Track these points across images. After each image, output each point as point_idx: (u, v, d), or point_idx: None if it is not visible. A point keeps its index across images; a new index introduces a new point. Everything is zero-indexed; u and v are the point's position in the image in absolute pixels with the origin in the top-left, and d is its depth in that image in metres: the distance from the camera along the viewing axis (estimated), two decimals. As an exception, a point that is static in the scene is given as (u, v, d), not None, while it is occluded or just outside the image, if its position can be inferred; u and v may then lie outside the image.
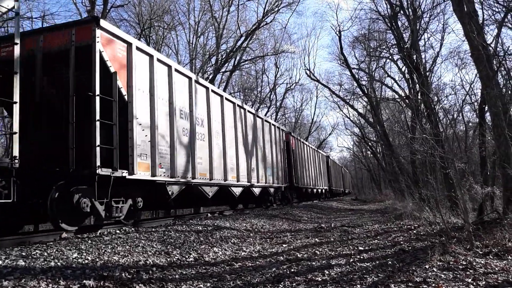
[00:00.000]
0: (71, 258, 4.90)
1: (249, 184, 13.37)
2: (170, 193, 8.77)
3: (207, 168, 10.61)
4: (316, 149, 29.17)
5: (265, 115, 35.52)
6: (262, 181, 14.93)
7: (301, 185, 21.04)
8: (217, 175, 11.12)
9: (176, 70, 9.50)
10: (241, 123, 13.59)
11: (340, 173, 43.52)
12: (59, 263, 4.63)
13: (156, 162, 8.17)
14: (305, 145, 24.30)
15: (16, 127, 5.72)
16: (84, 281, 4.17)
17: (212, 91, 11.50)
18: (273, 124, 17.54)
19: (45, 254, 4.89)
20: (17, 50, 5.86)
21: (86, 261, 4.90)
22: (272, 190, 16.38)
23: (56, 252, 5.04)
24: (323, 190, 28.98)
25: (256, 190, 14.23)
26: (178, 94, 9.51)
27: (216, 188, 11.05)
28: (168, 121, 8.94)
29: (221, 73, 29.45)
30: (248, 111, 14.42)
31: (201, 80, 11.01)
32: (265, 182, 15.17)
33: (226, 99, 12.56)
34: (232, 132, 12.63)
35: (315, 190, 25.52)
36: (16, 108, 5.70)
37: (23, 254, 4.79)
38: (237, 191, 12.51)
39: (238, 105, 13.34)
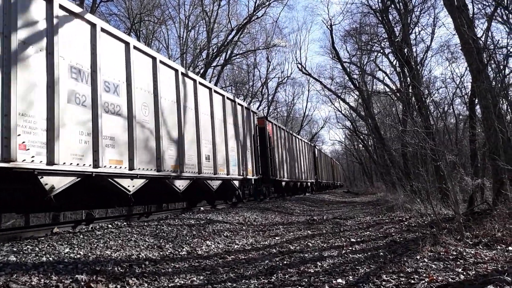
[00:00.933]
0: (63, 253, 4.87)
1: (200, 175, 10.54)
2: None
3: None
4: (301, 138, 26.54)
5: (257, 108, 35.48)
6: (223, 172, 12.07)
7: (279, 177, 18.21)
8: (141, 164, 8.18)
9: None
10: (193, 99, 10.72)
11: (329, 165, 41.29)
12: (51, 258, 4.61)
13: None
14: (285, 133, 21.29)
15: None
16: (77, 276, 4.16)
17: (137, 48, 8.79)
18: (239, 104, 14.20)
19: (37, 249, 4.86)
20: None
21: (78, 256, 4.88)
22: (237, 183, 13.20)
23: (48, 247, 5.01)
24: (309, 184, 26.93)
25: (214, 183, 11.35)
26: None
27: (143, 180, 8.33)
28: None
29: (212, 67, 29.35)
30: (200, 83, 11.22)
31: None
32: (226, 174, 12.28)
33: (161, 62, 9.38)
34: (175, 110, 9.70)
35: (299, 184, 23.11)
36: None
37: (14, 249, 4.76)
38: (180, 184, 9.53)
39: (182, 73, 10.25)
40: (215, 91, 12.38)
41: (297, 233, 8.23)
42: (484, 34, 12.96)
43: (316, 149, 31.43)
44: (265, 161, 16.48)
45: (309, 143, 29.16)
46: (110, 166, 7.11)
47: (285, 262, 5.26)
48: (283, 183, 19.29)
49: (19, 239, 5.86)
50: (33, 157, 5.57)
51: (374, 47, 24.15)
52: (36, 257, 4.55)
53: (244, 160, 14.11)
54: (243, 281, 4.39)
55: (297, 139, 24.55)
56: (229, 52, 29.52)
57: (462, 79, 25.26)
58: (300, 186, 23.75)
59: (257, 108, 36.70)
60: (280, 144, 19.23)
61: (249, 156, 14.80)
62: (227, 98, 13.29)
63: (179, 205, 18.31)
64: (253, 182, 15.15)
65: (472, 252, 4.87)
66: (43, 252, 4.77)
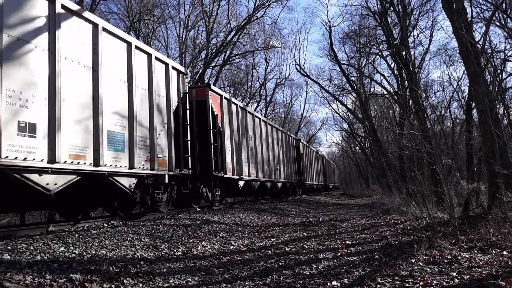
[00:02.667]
0: (57, 252, 4.86)
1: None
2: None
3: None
4: (276, 126, 20.31)
5: (255, 109, 35.45)
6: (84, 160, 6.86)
7: (233, 174, 13.09)
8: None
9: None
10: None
11: (319, 164, 34.68)
12: (45, 257, 4.59)
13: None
14: (249, 115, 15.65)
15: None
16: (71, 275, 4.14)
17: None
18: (143, 51, 8.93)
19: (31, 247, 4.84)
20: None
21: (73, 255, 4.87)
22: (127, 181, 7.88)
23: (43, 245, 5.00)
24: (287, 185, 21.23)
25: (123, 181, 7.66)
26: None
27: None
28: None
29: (211, 67, 29.34)
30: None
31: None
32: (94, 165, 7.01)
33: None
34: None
35: (269, 184, 17.23)
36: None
37: (9, 247, 4.74)
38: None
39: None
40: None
41: (293, 234, 8.23)
42: (482, 38, 13.04)
43: (301, 144, 25.46)
44: (206, 149, 11.53)
45: (290, 135, 23.32)
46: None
47: (280, 264, 5.25)
48: (241, 183, 13.83)
49: (13, 237, 5.83)
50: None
51: (373, 49, 24.25)
52: (30, 256, 4.53)
53: (152, 144, 8.75)
54: (238, 282, 4.39)
55: (268, 125, 18.56)
56: (228, 52, 29.51)
57: (459, 82, 25.39)
58: (273, 188, 18.20)
59: (255, 109, 36.73)
60: (237, 129, 13.98)
61: (164, 138, 9.35)
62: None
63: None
64: (166, 180, 9.27)
65: (467, 256, 4.88)
66: (38, 251, 4.75)
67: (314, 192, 31.80)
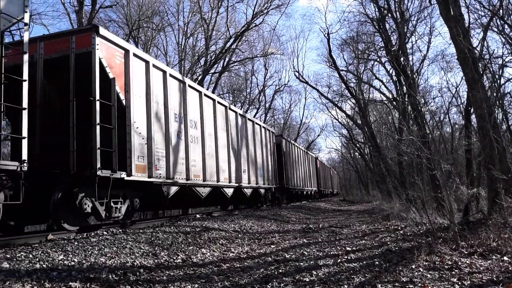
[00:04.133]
0: (57, 260, 4.84)
1: None
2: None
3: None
4: (246, 116, 16.12)
5: (254, 116, 35.46)
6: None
7: (150, 176, 8.45)
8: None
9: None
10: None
11: (311, 167, 30.00)
12: (44, 265, 4.58)
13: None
14: (167, 78, 9.74)
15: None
16: (70, 283, 4.13)
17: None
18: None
19: (30, 256, 4.82)
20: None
21: (72, 263, 4.85)
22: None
23: (42, 254, 4.98)
24: (262, 191, 16.85)
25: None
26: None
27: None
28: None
29: (210, 74, 29.44)
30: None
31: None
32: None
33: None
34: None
35: (229, 190, 13.01)
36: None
37: (8, 256, 4.72)
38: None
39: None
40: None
41: (293, 241, 8.21)
42: (480, 44, 13.10)
43: (283, 141, 21.44)
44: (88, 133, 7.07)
45: (268, 128, 18.88)
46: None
47: (280, 271, 5.24)
48: (173, 189, 9.52)
49: (12, 245, 5.81)
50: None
51: (371, 55, 24.37)
52: (29, 264, 4.52)
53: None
54: (238, 290, 4.37)
55: (231, 112, 14.09)
56: (227, 59, 29.66)
57: (458, 88, 25.50)
58: (238, 195, 14.37)
59: (254, 116, 36.77)
60: (164, 106, 9.43)
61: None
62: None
63: (175, 212, 18.03)
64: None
65: (467, 261, 4.87)
66: (37, 259, 4.73)
67: (304, 199, 27.98)
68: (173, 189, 9.53)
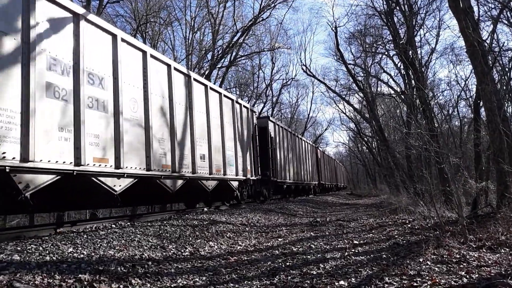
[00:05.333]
0: (66, 253, 4.89)
1: None
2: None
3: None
4: (219, 90, 12.87)
5: (261, 110, 35.42)
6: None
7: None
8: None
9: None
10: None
11: (309, 157, 26.67)
12: (54, 258, 4.63)
13: None
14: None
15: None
16: (80, 275, 4.18)
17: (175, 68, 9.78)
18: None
19: (40, 248, 4.89)
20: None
21: (82, 256, 4.90)
22: None
23: (52, 246, 5.04)
24: (240, 184, 13.48)
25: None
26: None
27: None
28: None
29: (217, 68, 29.41)
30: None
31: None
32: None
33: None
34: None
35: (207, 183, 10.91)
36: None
37: (18, 248, 4.78)
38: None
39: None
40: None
41: (300, 234, 8.23)
42: (490, 37, 12.95)
43: (270, 123, 17.45)
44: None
45: (245, 105, 15.08)
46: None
47: (287, 264, 5.26)
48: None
49: (23, 238, 5.88)
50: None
51: (379, 49, 24.15)
52: (39, 257, 4.58)
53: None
54: (245, 282, 4.40)
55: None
56: (234, 53, 29.58)
57: (467, 81, 25.25)
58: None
59: (261, 110, 36.74)
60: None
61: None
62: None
63: (182, 206, 17.45)
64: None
65: (476, 255, 4.85)
66: (47, 252, 4.79)
67: (301, 193, 25.04)
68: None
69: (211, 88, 11.95)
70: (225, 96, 12.89)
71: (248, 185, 14.36)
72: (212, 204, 13.12)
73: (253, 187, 14.97)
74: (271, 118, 18.29)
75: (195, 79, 10.94)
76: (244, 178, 13.65)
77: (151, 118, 8.53)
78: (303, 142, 25.27)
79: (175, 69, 9.85)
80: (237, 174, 13.00)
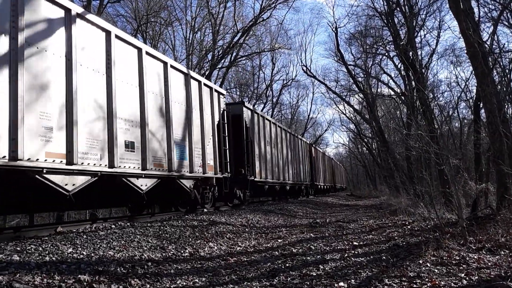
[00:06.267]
0: (66, 253, 4.89)
1: None
2: None
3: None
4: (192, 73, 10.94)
5: (261, 111, 35.41)
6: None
7: None
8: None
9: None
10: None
11: (300, 154, 23.54)
12: (54, 258, 4.63)
13: None
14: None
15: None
16: (79, 276, 4.17)
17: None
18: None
19: (40, 249, 4.88)
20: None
21: (81, 256, 4.90)
22: None
23: (51, 247, 5.03)
24: (197, 184, 10.54)
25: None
26: None
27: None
28: None
29: (218, 69, 29.43)
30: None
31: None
32: None
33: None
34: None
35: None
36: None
37: (18, 249, 4.78)
38: None
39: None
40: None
41: (300, 235, 8.22)
42: (490, 38, 12.95)
43: (245, 110, 14.30)
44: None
45: (216, 88, 12.42)
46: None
47: (287, 265, 5.25)
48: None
49: (22, 238, 5.88)
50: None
51: (379, 50, 24.19)
52: (39, 257, 4.57)
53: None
54: (245, 283, 4.39)
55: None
56: (234, 54, 29.62)
57: (467, 83, 25.20)
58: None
59: (261, 110, 36.72)
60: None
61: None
62: None
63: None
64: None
65: (475, 257, 4.85)
66: (47, 252, 4.79)
67: (290, 195, 22.05)
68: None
69: (148, 54, 8.73)
70: (173, 67, 9.71)
71: (211, 185, 11.37)
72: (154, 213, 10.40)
73: (218, 188, 11.83)
74: (246, 104, 15.00)
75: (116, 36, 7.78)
76: (204, 176, 10.65)
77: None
78: (292, 137, 21.97)
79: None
80: (191, 171, 9.94)
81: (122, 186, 7.72)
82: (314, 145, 30.60)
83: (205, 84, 11.50)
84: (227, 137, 12.64)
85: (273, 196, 20.33)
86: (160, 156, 8.82)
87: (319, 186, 29.34)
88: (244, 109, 14.31)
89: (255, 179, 14.54)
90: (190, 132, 10.21)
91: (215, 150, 11.59)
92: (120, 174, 7.46)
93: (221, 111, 12.51)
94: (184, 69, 10.50)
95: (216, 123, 11.92)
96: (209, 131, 11.41)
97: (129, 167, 7.72)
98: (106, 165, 7.08)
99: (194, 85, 10.76)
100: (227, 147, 12.55)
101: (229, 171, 12.47)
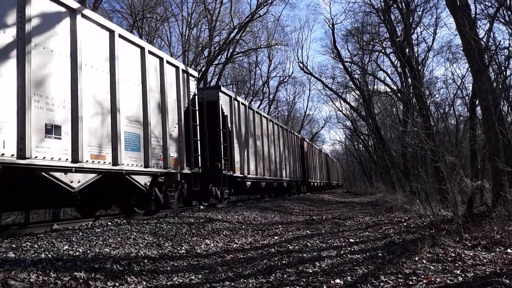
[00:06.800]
0: (62, 250, 4.88)
1: None
2: None
3: None
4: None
5: (258, 107, 35.39)
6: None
7: None
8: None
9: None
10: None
11: (289, 148, 21.59)
12: (49, 255, 4.62)
13: None
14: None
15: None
16: (75, 273, 4.16)
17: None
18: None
19: (36, 246, 4.87)
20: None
21: (77, 253, 4.89)
22: None
23: (47, 244, 5.02)
24: (151, 180, 8.50)
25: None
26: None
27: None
28: None
29: (214, 65, 29.38)
30: None
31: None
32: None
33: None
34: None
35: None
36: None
37: (13, 246, 4.76)
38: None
39: None
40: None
41: (296, 232, 8.23)
42: (486, 35, 12.97)
43: (222, 96, 12.60)
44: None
45: (188, 70, 10.79)
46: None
47: (283, 262, 5.26)
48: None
49: (18, 235, 5.86)
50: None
51: (376, 47, 24.19)
52: (35, 254, 4.56)
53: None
54: (241, 280, 4.39)
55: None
56: (230, 50, 29.54)
57: (463, 80, 25.32)
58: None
59: (258, 107, 36.69)
60: None
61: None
62: None
63: None
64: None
65: (471, 254, 4.87)
66: (42, 249, 4.77)
67: (279, 192, 20.41)
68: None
69: (86, 17, 7.09)
70: (127, 40, 8.18)
71: (177, 183, 9.67)
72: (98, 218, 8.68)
73: (186, 186, 10.11)
74: (223, 89, 13.14)
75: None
76: (165, 171, 9.00)
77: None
78: (280, 129, 20.11)
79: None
80: (147, 165, 8.34)
81: (46, 183, 6.18)
82: (306, 140, 28.73)
83: (168, 62, 9.60)
84: (198, 127, 10.82)
85: (261, 194, 18.94)
86: (100, 145, 7.09)
87: (312, 183, 27.82)
88: (221, 94, 12.58)
89: (234, 175, 12.96)
90: (146, 118, 8.43)
91: (180, 141, 9.77)
92: (38, 167, 5.79)
93: (192, 96, 10.73)
94: (141, 43, 8.74)
95: (183, 109, 10.12)
96: (173, 119, 9.62)
97: (52, 158, 5.99)
98: (13, 154, 5.43)
99: (152, 62, 9.01)
100: (198, 138, 10.72)
101: (200, 165, 10.73)
